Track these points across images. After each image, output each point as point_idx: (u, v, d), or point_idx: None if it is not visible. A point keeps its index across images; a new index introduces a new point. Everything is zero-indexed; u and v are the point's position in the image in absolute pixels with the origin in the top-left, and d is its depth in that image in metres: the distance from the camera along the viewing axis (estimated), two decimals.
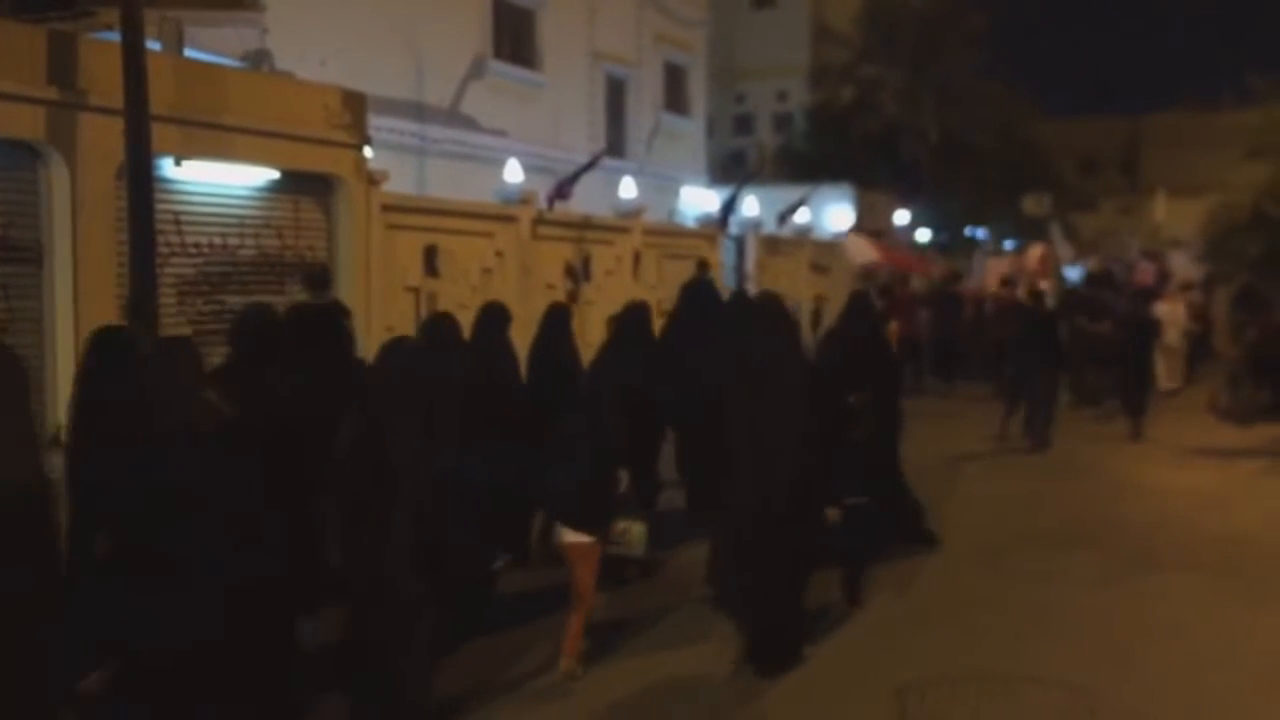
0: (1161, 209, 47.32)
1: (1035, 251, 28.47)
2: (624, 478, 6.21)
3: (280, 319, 7.29)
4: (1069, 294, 19.65)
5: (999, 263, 28.47)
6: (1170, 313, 17.77)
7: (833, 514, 6.52)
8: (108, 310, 9.73)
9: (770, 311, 6.56)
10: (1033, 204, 40.04)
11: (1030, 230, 41.02)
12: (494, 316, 8.00)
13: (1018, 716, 5.58)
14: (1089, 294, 18.84)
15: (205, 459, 4.73)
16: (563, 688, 5.85)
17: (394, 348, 5.27)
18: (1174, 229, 43.12)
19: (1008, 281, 20.11)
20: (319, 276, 9.51)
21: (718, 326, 8.93)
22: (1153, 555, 8.56)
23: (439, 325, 7.10)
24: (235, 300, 11.25)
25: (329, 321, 8.22)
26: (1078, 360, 16.26)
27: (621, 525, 6.25)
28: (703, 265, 13.37)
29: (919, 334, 19.15)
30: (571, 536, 5.95)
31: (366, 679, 4.92)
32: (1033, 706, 5.66)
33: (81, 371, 6.22)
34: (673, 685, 6.01)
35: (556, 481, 5.98)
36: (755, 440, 6.07)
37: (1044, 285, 19.72)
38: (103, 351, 6.02)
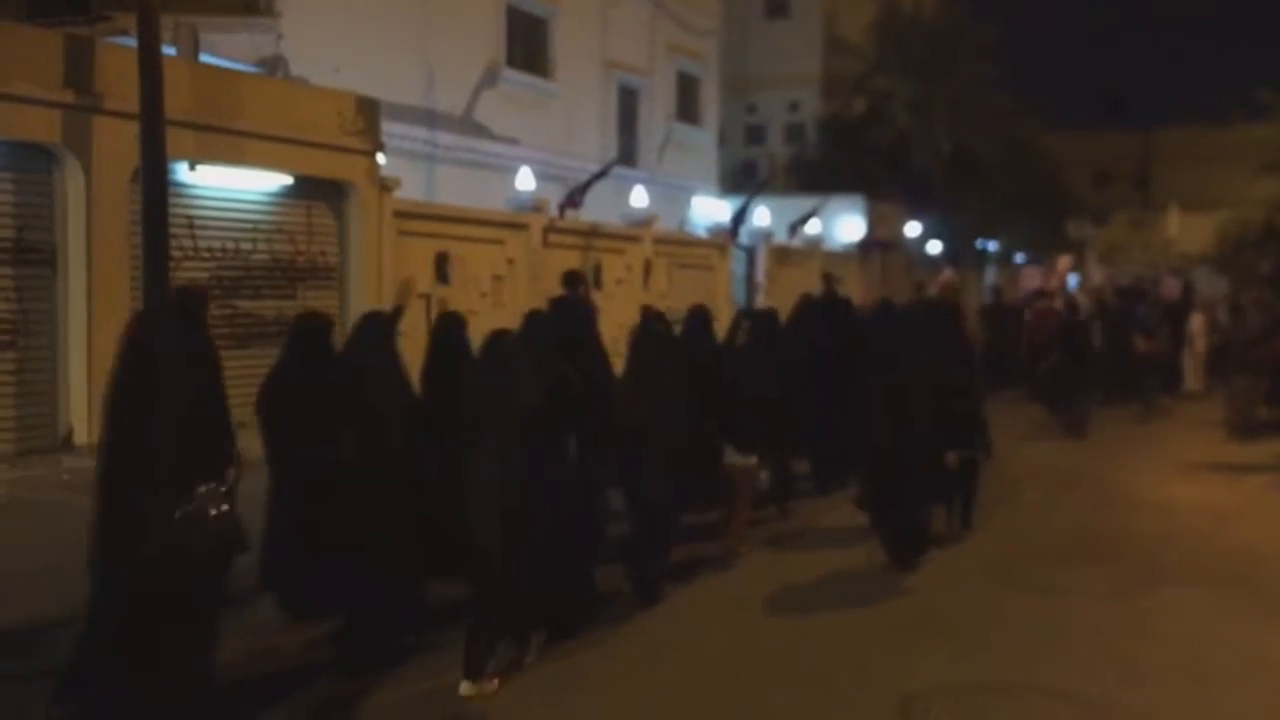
0: (1174, 223, 47.24)
1: (1064, 263, 32.30)
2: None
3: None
4: (1102, 306, 20.54)
5: (1032, 273, 32.12)
6: (1199, 324, 19.74)
7: (952, 459, 8.92)
8: (121, 312, 9.78)
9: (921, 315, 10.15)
10: (1075, 229, 41.28)
11: (1042, 244, 41.03)
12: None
13: None
14: (1122, 306, 19.98)
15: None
16: (744, 559, 8.29)
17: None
18: (1186, 244, 43.02)
19: (1045, 293, 21.72)
20: (571, 277, 10.13)
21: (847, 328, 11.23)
22: (1161, 568, 8.53)
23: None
24: (247, 304, 11.33)
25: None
26: (1111, 365, 17.87)
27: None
28: (828, 278, 14.05)
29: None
30: (738, 460, 8.16)
31: None
32: (1039, 718, 5.65)
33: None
34: (830, 570, 8.14)
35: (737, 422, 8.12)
36: (897, 408, 8.27)
37: (1080, 297, 21.73)
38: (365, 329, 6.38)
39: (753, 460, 8.34)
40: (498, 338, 6.00)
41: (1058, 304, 19.39)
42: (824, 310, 11.93)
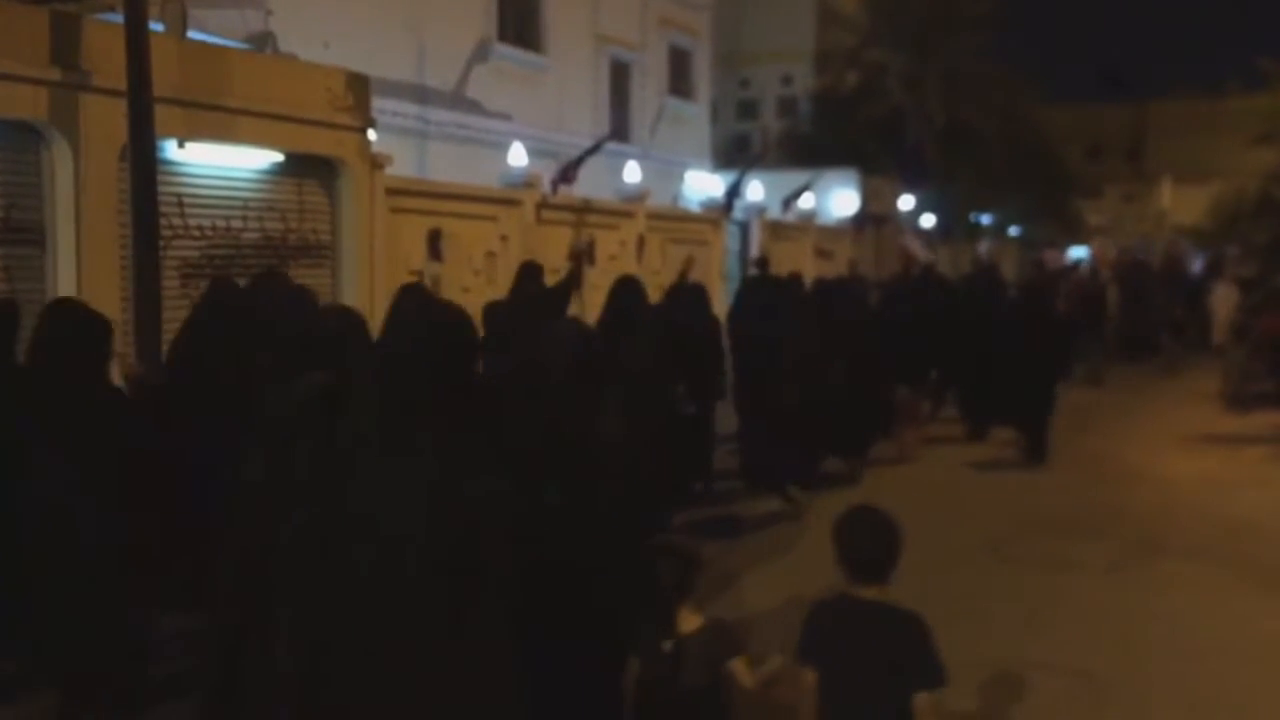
0: (1167, 196, 47.27)
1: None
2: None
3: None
4: (1124, 274, 23.35)
5: (1054, 255, 38.44)
6: (1223, 296, 20.57)
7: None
8: (111, 292, 9.69)
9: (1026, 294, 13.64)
10: (1094, 213, 42.47)
11: (1038, 220, 41.05)
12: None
13: (1024, 704, 5.56)
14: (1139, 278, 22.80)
15: None
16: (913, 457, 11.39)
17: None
18: (1179, 216, 42.99)
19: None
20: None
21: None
22: (1160, 543, 8.53)
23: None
24: (239, 283, 11.22)
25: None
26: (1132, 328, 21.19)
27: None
28: (906, 261, 16.36)
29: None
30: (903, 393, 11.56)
31: None
32: (1039, 694, 5.64)
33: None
34: (973, 464, 11.48)
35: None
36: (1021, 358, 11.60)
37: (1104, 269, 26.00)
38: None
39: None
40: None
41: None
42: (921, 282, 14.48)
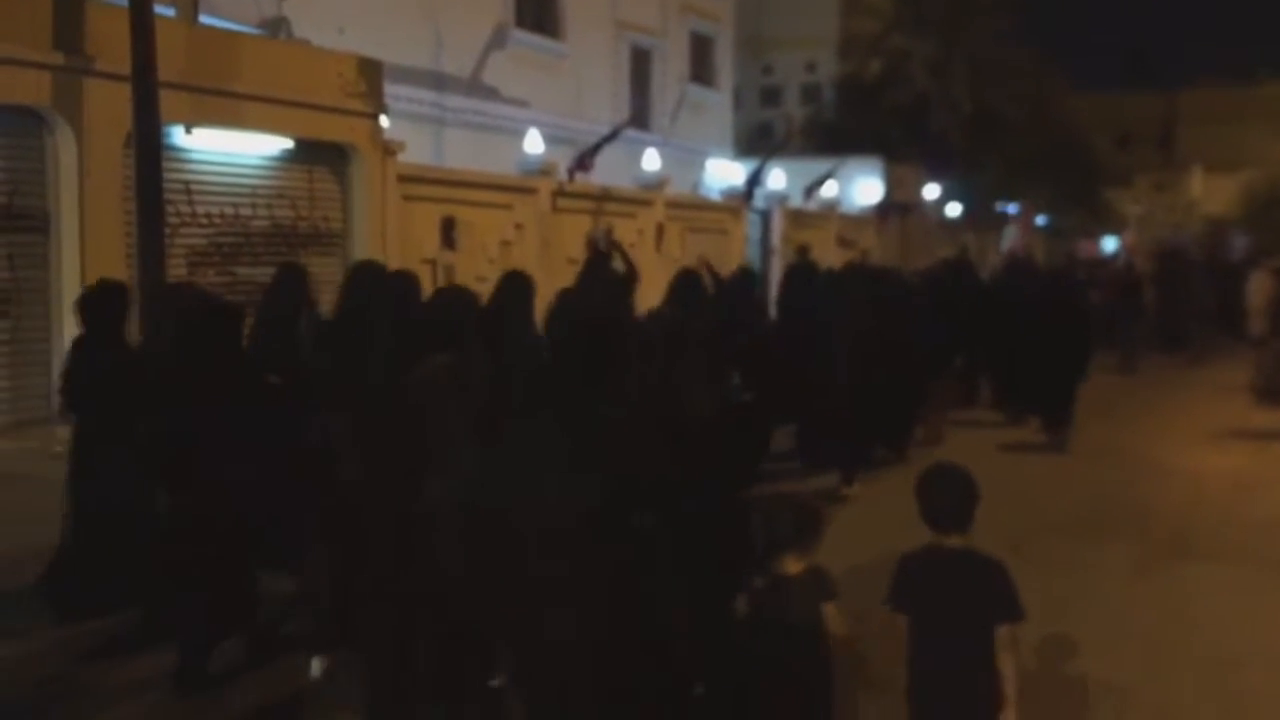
0: (1198, 184, 46.64)
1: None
2: None
3: None
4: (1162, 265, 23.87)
5: (1088, 245, 39.73)
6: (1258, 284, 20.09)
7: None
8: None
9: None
10: (1131, 203, 42.63)
11: (1066, 209, 40.57)
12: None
13: (1043, 716, 5.32)
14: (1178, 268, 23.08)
15: None
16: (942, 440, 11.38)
17: None
18: (1210, 205, 42.42)
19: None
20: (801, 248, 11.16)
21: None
22: (1186, 543, 8.26)
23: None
24: (247, 271, 11.09)
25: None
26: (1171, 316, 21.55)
27: None
28: (957, 253, 16.66)
29: None
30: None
31: None
32: (1059, 705, 5.40)
33: None
34: (1002, 450, 11.42)
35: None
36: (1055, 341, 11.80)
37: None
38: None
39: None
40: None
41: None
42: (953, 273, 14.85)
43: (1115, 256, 29.90)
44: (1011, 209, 38.02)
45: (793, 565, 4.05)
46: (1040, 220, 41.52)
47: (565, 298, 7.87)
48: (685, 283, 8.96)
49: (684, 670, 4.27)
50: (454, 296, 6.18)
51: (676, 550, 4.15)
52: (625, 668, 3.85)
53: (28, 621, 5.86)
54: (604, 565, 3.73)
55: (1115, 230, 45.70)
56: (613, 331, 4.43)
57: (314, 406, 5.35)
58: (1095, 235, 41.81)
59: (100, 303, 6.01)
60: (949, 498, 3.83)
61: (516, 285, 6.68)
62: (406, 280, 6.37)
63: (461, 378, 3.82)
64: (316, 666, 4.88)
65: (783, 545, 4.04)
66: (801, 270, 11.43)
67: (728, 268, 13.55)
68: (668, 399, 4.46)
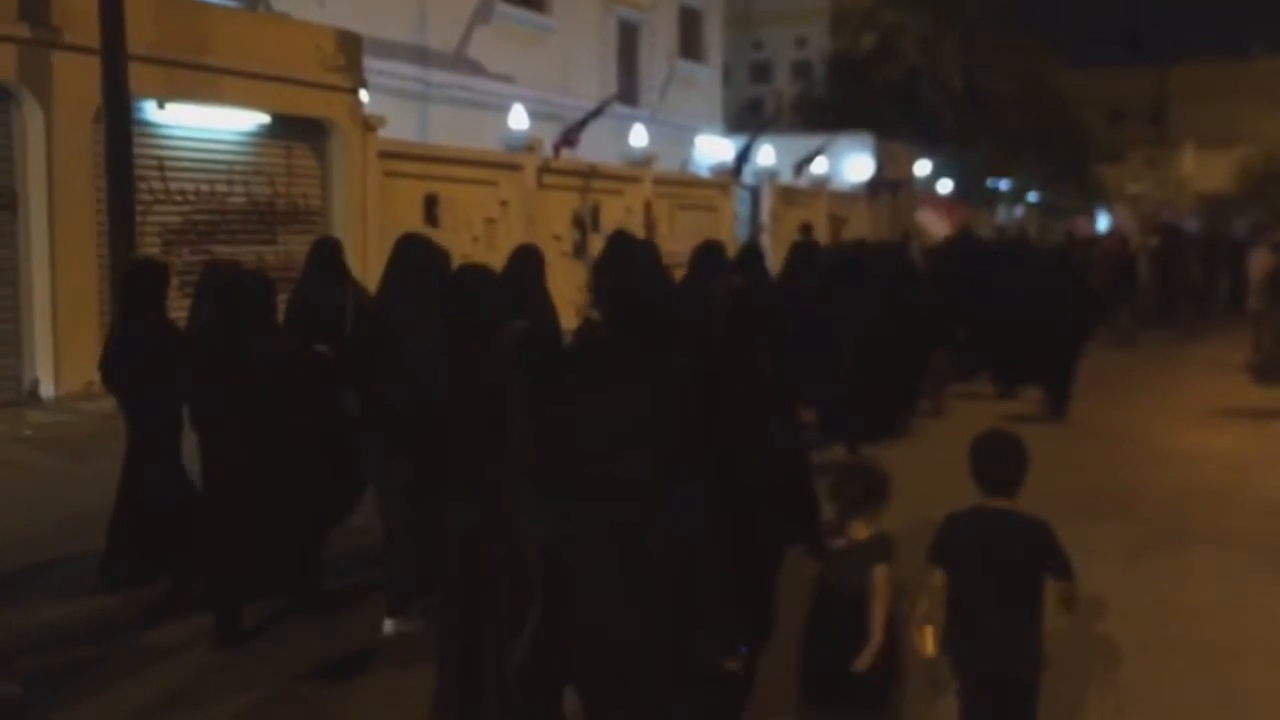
0: (1190, 161, 46.47)
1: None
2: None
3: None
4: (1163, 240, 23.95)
5: (1084, 223, 39.34)
6: (1258, 260, 20.26)
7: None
8: (86, 259, 9.32)
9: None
10: (1130, 180, 42.70)
11: (1058, 185, 40.39)
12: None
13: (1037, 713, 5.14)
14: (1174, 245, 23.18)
15: None
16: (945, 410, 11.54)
17: None
18: (1202, 181, 42.28)
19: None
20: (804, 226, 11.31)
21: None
22: (1183, 527, 8.09)
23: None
24: (224, 249, 10.85)
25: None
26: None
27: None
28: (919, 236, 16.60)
29: None
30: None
31: None
32: (1054, 697, 5.21)
33: None
34: (998, 417, 10.40)
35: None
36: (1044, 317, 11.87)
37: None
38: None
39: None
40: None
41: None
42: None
43: (1106, 234, 30.15)
44: (1003, 185, 37.83)
45: (861, 530, 4.13)
46: (1032, 197, 41.35)
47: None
48: (705, 256, 8.87)
49: (760, 620, 4.33)
50: (525, 256, 6.47)
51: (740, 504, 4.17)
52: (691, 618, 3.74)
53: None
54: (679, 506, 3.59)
55: (1107, 206, 45.58)
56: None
57: (363, 375, 5.39)
58: (1090, 212, 41.88)
59: (141, 278, 5.99)
60: (1004, 463, 3.96)
61: (533, 257, 6.70)
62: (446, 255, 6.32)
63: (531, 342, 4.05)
64: (390, 626, 5.23)
65: (854, 510, 4.12)
66: (804, 249, 11.30)
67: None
68: (736, 359, 4.56)
